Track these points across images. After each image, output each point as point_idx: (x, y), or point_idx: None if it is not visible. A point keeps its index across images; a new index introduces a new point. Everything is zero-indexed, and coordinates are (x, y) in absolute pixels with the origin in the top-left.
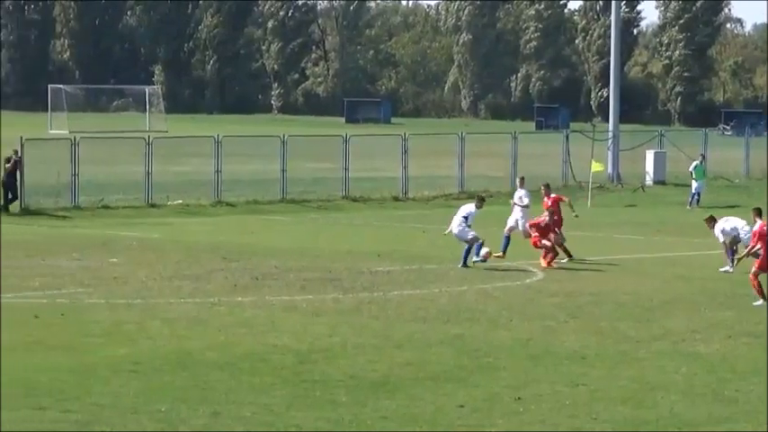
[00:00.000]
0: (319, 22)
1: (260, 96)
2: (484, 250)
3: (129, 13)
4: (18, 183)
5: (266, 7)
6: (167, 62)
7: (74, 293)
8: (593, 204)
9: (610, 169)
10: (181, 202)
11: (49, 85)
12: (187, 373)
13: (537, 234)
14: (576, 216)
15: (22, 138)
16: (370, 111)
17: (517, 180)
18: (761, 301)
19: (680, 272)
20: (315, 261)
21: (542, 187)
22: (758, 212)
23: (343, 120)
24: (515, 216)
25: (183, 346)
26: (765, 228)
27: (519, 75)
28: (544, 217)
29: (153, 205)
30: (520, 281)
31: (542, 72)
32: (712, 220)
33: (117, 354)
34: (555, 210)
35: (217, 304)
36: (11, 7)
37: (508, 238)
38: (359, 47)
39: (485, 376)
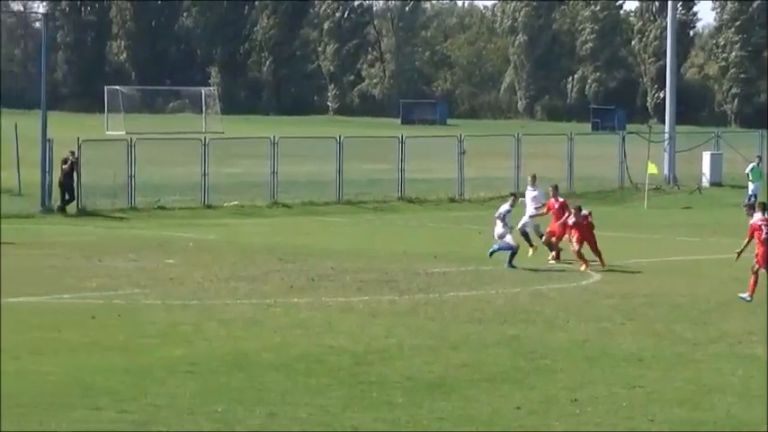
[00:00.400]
0: (375, 23)
1: (316, 98)
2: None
3: (185, 14)
4: (75, 184)
5: (322, 8)
6: (223, 63)
7: (130, 294)
8: (649, 206)
9: (666, 171)
10: (237, 203)
11: (106, 87)
12: (243, 374)
13: (578, 235)
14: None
15: (78, 139)
16: (425, 112)
17: (528, 178)
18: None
19: (736, 274)
20: (371, 262)
21: (551, 189)
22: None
23: (398, 121)
24: (528, 213)
25: (239, 348)
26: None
27: (575, 76)
28: (566, 217)
29: (209, 206)
30: (576, 282)
31: (598, 73)
32: (752, 209)
33: (173, 355)
34: (558, 214)
35: (273, 305)
36: (68, 9)
37: (525, 234)
38: (415, 48)
39: (541, 378)
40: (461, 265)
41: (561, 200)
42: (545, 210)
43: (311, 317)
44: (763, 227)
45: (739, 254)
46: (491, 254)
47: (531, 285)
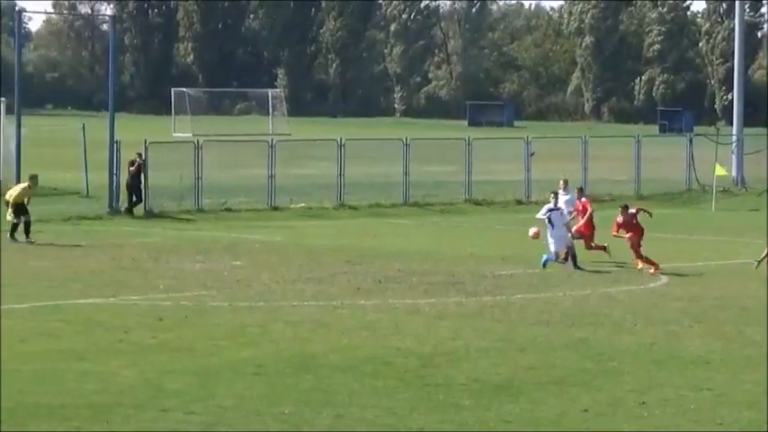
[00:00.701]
0: (441, 25)
1: (382, 99)
2: (533, 230)
3: (251, 15)
4: (142, 186)
5: (389, 10)
6: (290, 65)
7: (197, 296)
8: (717, 208)
9: (734, 173)
10: (303, 205)
11: (173, 89)
12: (310, 375)
13: (630, 234)
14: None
15: (146, 141)
16: (492, 114)
17: (561, 182)
18: None
19: None
20: (438, 264)
21: (576, 190)
22: None
23: (465, 123)
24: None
25: (305, 349)
26: None
27: (642, 78)
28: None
29: (276, 208)
30: (644, 285)
31: (666, 75)
32: None
33: (240, 356)
34: (582, 214)
35: (339, 307)
36: (135, 11)
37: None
38: (481, 50)
39: (609, 380)
40: (528, 268)
41: (584, 200)
42: (575, 213)
43: (378, 319)
44: None
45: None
46: (576, 263)
47: (599, 288)
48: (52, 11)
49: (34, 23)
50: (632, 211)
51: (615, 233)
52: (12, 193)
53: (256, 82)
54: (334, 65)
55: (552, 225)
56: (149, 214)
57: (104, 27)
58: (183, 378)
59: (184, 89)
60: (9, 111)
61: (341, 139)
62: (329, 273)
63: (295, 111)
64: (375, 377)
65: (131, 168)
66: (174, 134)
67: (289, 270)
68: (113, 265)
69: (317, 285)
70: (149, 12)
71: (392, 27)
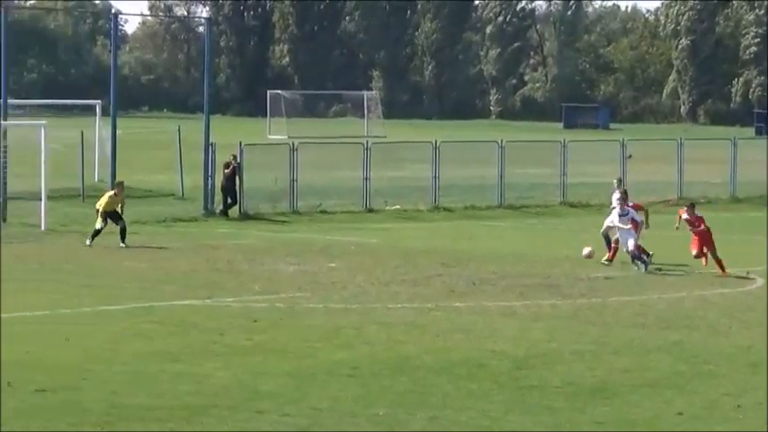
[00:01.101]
0: (537, 27)
1: (478, 101)
2: (586, 250)
3: (347, 18)
4: (237, 188)
5: (484, 12)
6: (386, 67)
7: (292, 298)
8: None
9: None
10: (398, 207)
11: (268, 91)
12: (405, 377)
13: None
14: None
15: (241, 143)
16: (588, 116)
17: (614, 181)
18: None
19: None
20: (532, 267)
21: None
22: None
23: (561, 125)
24: (613, 217)
25: (400, 351)
26: None
27: (739, 80)
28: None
29: (371, 210)
30: (740, 287)
31: (762, 77)
32: None
33: (335, 358)
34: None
35: (434, 309)
36: (230, 13)
37: (607, 238)
38: (577, 52)
39: (704, 383)
40: (624, 270)
41: (633, 203)
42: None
43: (473, 321)
44: None
45: None
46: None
47: (694, 290)
48: (148, 13)
49: (130, 26)
50: (699, 214)
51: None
52: (101, 202)
53: (352, 84)
54: (430, 67)
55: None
56: (244, 216)
57: (200, 29)
58: (278, 380)
59: (280, 91)
60: (105, 113)
61: (436, 141)
62: (424, 275)
63: (390, 113)
64: (469, 379)
65: (226, 171)
66: (270, 136)
67: (383, 272)
68: (208, 266)
69: (412, 287)
70: (245, 14)
71: (488, 29)
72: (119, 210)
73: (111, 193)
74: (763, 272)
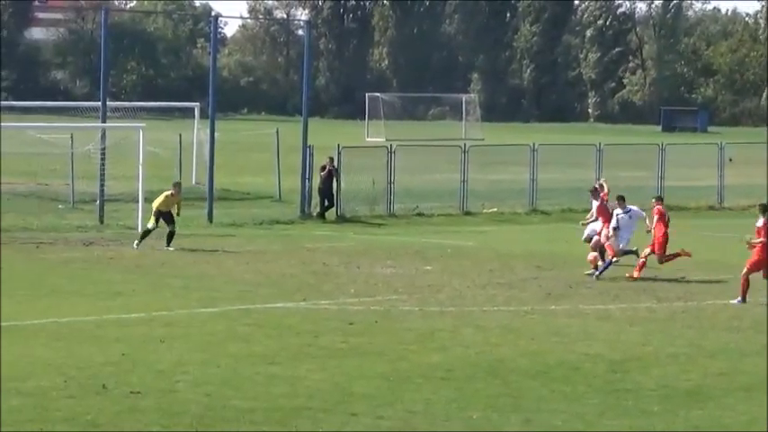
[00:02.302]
0: (637, 30)
1: (576, 105)
2: (591, 255)
3: (447, 21)
4: (334, 190)
5: (584, 16)
6: (484, 70)
7: (388, 300)
8: None
9: None
10: (496, 209)
11: (367, 94)
12: (499, 380)
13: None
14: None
15: (338, 146)
16: (686, 119)
17: (597, 184)
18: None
19: None
20: (628, 269)
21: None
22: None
23: (659, 128)
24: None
25: (495, 354)
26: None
27: None
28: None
29: (468, 213)
30: None
31: None
32: None
33: (430, 361)
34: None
35: (530, 313)
36: (330, 16)
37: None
38: (676, 55)
39: None
40: (721, 273)
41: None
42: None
43: (568, 324)
44: None
45: None
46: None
47: None
48: (248, 16)
49: (230, 28)
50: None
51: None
52: (156, 201)
53: (450, 87)
54: (529, 70)
55: (619, 228)
56: (341, 219)
57: (299, 32)
58: (372, 382)
59: (378, 94)
60: (203, 115)
61: (534, 143)
62: (520, 278)
63: (489, 116)
64: (564, 382)
65: (322, 173)
66: (368, 139)
67: (480, 275)
68: (304, 269)
69: (508, 290)
70: (344, 16)
71: (588, 33)
72: (174, 211)
73: (168, 193)
74: None
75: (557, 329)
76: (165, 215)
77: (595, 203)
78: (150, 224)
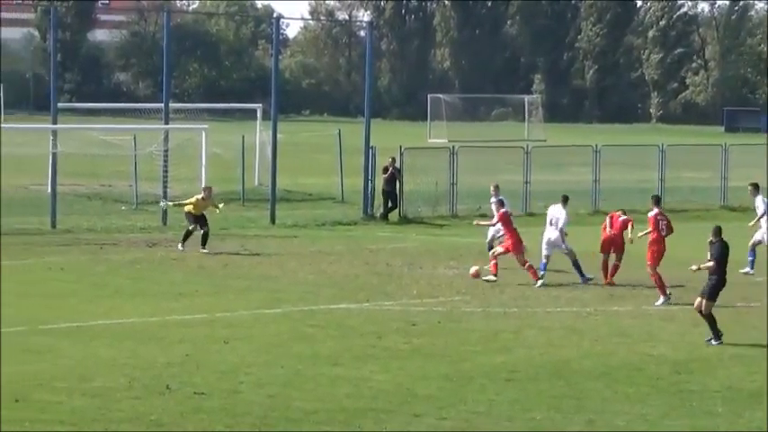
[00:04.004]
0: (699, 30)
1: (639, 106)
2: (473, 268)
3: (509, 21)
4: (397, 191)
5: (647, 16)
6: (547, 71)
7: (451, 301)
8: None
9: None
10: None
11: (429, 95)
12: (562, 381)
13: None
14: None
15: (401, 147)
16: (749, 120)
17: (492, 186)
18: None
19: None
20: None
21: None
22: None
23: (722, 129)
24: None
25: (558, 355)
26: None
27: None
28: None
29: (531, 214)
30: None
31: None
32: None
33: (493, 362)
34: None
35: (593, 314)
36: (392, 17)
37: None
38: (739, 56)
39: None
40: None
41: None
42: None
43: (632, 325)
44: None
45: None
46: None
47: None
48: (309, 17)
49: (292, 30)
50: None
51: None
52: (187, 205)
53: (513, 87)
54: (591, 71)
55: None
56: (404, 220)
57: (361, 33)
58: (436, 383)
59: (440, 95)
60: (265, 117)
61: (596, 144)
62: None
63: (551, 116)
64: (627, 383)
65: (384, 175)
66: (430, 140)
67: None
68: (367, 270)
69: (571, 291)
70: (406, 17)
71: (650, 33)
72: (208, 212)
73: (199, 197)
74: None
75: (620, 330)
76: (196, 218)
77: (495, 208)
78: (190, 227)
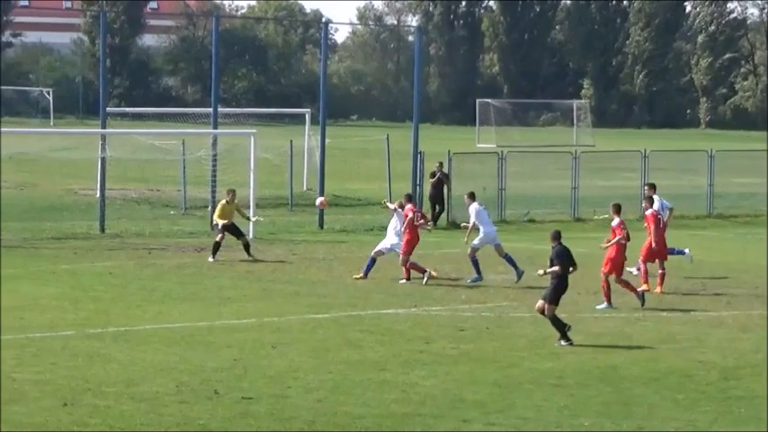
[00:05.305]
0: (749, 36)
1: (688, 111)
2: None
3: (557, 27)
4: (445, 196)
5: (696, 22)
6: (595, 76)
7: (499, 307)
8: None
9: None
10: (606, 216)
11: (477, 100)
12: (611, 387)
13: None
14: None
15: (449, 152)
16: None
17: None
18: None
19: None
20: (741, 276)
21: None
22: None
23: None
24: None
25: (606, 361)
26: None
27: None
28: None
29: (579, 219)
30: None
31: None
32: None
33: (541, 367)
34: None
35: (641, 319)
36: (440, 22)
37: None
38: None
39: None
40: None
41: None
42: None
43: (681, 331)
44: None
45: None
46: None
47: None
48: (357, 22)
49: (340, 35)
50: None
51: None
52: (216, 213)
53: (561, 93)
54: (640, 76)
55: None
56: (452, 225)
57: (410, 38)
58: (484, 389)
59: (489, 100)
60: (314, 121)
61: (645, 150)
62: (635, 284)
63: (600, 122)
64: (676, 390)
65: (432, 180)
66: (478, 145)
67: (591, 281)
68: (415, 275)
69: (620, 297)
70: (455, 23)
71: (699, 38)
72: (237, 219)
73: (223, 201)
74: None
75: (669, 336)
76: (228, 228)
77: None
78: (217, 237)
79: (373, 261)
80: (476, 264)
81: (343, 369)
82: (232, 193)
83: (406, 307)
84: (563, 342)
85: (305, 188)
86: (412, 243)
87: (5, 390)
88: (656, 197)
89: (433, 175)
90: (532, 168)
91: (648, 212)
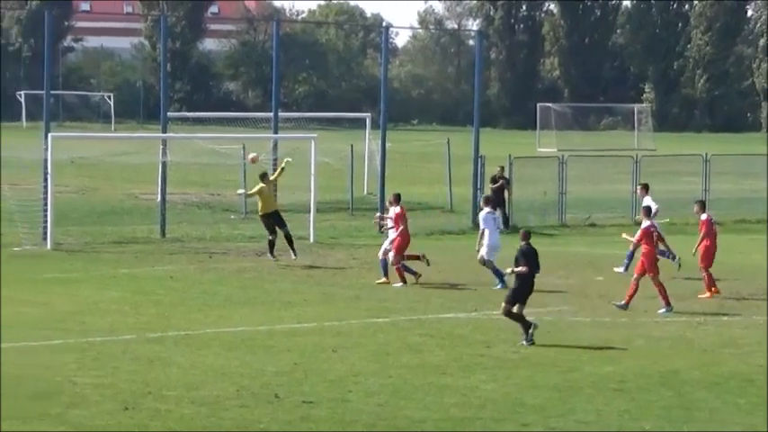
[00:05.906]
0: None
1: (749, 115)
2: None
3: (618, 31)
4: (505, 200)
5: (757, 25)
6: (656, 80)
7: (559, 311)
8: None
9: None
10: (668, 220)
11: (538, 104)
12: (671, 392)
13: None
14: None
15: (510, 156)
16: None
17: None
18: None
19: None
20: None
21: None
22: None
23: None
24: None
25: (667, 365)
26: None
27: None
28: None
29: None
30: None
31: None
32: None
33: (601, 371)
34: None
35: (702, 323)
36: (501, 26)
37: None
38: None
39: None
40: None
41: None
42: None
43: (742, 335)
44: None
45: None
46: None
47: None
48: (418, 26)
49: (401, 39)
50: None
51: None
52: (260, 209)
53: (623, 97)
54: (702, 80)
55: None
56: (512, 229)
57: (470, 42)
58: (544, 393)
59: (549, 104)
60: (374, 126)
61: (706, 154)
62: (692, 289)
63: (661, 126)
64: (737, 394)
65: (492, 185)
66: (539, 149)
67: (651, 285)
68: (475, 279)
69: (680, 301)
70: (515, 27)
71: (761, 42)
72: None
73: (260, 186)
74: None
75: (730, 340)
76: (273, 218)
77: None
78: (269, 236)
79: (385, 262)
80: (496, 272)
81: (403, 373)
82: (264, 175)
83: (466, 311)
84: (525, 342)
85: (365, 192)
86: (402, 246)
87: (67, 394)
88: (648, 198)
89: (493, 180)
90: (593, 172)
91: (703, 217)
